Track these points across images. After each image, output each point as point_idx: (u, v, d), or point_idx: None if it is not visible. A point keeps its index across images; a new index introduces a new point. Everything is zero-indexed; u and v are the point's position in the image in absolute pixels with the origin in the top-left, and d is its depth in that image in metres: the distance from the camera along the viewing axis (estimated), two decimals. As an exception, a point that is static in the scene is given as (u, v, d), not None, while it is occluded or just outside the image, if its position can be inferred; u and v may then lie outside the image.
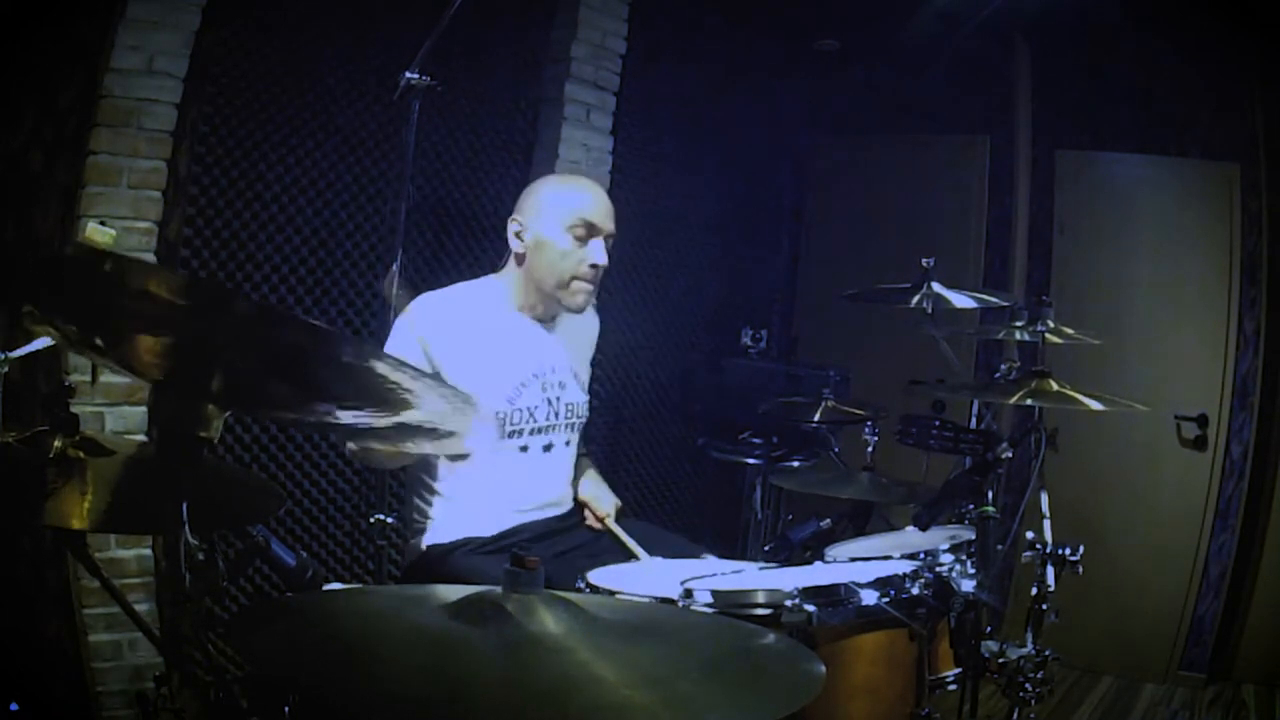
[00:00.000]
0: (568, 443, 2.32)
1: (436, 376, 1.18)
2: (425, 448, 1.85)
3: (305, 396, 1.18)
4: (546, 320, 2.28)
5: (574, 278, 2.19)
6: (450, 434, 1.24)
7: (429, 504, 2.23)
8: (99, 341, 1.13)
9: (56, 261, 1.01)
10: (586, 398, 2.37)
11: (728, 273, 4.37)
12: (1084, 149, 4.12)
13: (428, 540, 2.21)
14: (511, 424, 2.19)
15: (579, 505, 2.40)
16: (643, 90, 3.68)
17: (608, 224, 2.20)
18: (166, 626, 2.47)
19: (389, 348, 2.13)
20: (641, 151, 3.80)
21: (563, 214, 2.17)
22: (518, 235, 2.22)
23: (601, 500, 2.39)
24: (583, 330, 2.41)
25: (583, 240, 2.17)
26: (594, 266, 2.18)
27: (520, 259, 2.22)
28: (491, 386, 2.14)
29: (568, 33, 3.36)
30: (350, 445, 2.15)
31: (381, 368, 1.07)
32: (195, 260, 2.62)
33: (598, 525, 2.36)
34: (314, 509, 2.94)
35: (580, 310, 2.25)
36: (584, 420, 2.35)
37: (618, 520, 2.36)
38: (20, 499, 1.32)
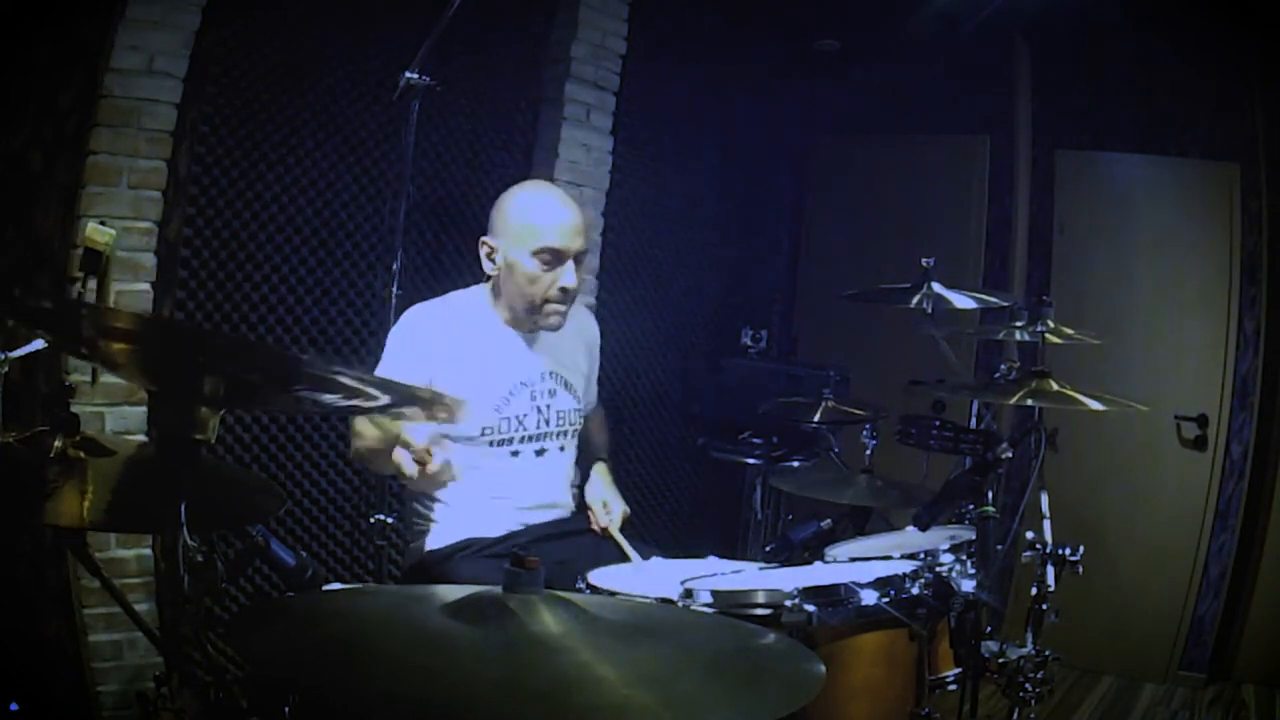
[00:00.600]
0: (562, 448, 2.32)
1: (405, 386, 1.20)
2: (432, 423, 1.84)
3: (283, 387, 1.18)
4: (533, 330, 2.27)
5: (545, 300, 2.18)
6: (444, 406, 1.23)
7: (427, 508, 2.23)
8: (81, 350, 1.14)
9: (23, 308, 1.03)
10: (580, 405, 2.36)
11: (728, 273, 4.36)
12: (1084, 149, 4.12)
13: (428, 545, 2.21)
14: (500, 433, 2.19)
15: (583, 508, 2.39)
16: (643, 90, 3.67)
17: (575, 244, 2.17)
18: (166, 626, 2.47)
19: (386, 366, 2.13)
20: (641, 151, 3.80)
21: (528, 241, 2.14)
22: (489, 258, 2.21)
23: (610, 505, 2.38)
24: (578, 336, 2.39)
25: (550, 266, 2.15)
26: (564, 290, 2.17)
27: (495, 280, 2.22)
28: (479, 396, 2.14)
29: (568, 33, 3.36)
30: (355, 446, 2.15)
31: (347, 380, 1.07)
32: (195, 260, 2.62)
33: (599, 530, 2.35)
34: (314, 509, 2.94)
35: (556, 330, 2.24)
36: (578, 427, 2.35)
37: (624, 528, 2.34)
38: (20, 499, 1.32)
